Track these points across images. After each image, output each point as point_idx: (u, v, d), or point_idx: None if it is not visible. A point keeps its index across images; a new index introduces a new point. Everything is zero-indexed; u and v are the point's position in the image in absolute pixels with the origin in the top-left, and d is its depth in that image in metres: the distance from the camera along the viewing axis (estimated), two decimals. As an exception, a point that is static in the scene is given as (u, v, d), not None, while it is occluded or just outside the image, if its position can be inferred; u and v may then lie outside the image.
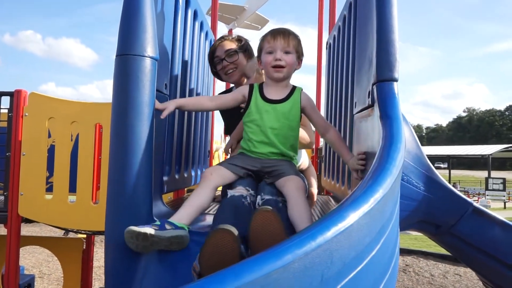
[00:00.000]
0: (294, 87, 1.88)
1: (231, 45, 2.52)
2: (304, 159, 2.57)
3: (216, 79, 3.00)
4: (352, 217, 0.92)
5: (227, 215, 1.56)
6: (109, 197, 1.56)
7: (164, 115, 1.73)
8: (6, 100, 3.27)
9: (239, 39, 2.59)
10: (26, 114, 3.20)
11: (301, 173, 2.33)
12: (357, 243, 0.93)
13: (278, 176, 1.74)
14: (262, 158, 1.82)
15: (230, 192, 1.69)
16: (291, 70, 1.84)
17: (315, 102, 1.99)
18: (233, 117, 2.35)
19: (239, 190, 1.70)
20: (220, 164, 1.82)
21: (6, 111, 3.27)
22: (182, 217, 1.55)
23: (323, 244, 0.82)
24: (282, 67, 1.79)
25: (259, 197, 1.67)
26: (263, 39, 1.87)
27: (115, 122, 1.57)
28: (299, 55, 1.86)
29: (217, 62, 2.54)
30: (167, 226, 1.47)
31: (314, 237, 0.82)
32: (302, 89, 1.88)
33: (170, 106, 1.75)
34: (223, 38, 2.59)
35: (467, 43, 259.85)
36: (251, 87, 1.88)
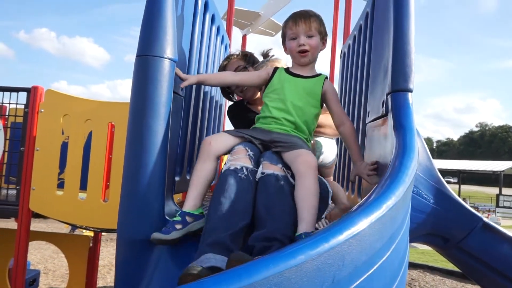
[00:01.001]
0: (320, 74, 1.91)
1: (239, 63, 2.54)
2: (330, 154, 2.36)
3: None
4: (365, 222, 0.93)
5: (222, 198, 1.50)
6: (123, 194, 1.59)
7: (184, 85, 1.80)
8: (22, 95, 3.35)
9: (244, 54, 2.61)
10: (42, 110, 3.26)
11: (323, 171, 2.25)
12: (369, 248, 0.94)
13: (289, 148, 1.65)
14: (273, 131, 1.76)
15: (225, 166, 1.61)
16: (316, 52, 1.88)
17: None
18: (243, 122, 2.37)
19: (236, 158, 1.60)
20: (224, 131, 1.81)
21: (22, 106, 3.33)
22: (196, 201, 1.61)
23: (336, 247, 0.84)
24: (307, 51, 1.83)
25: (260, 168, 1.59)
26: (285, 25, 1.89)
27: (132, 121, 1.60)
28: (323, 35, 1.88)
29: None
30: (188, 219, 1.57)
31: (327, 239, 0.83)
32: (327, 77, 1.91)
33: (191, 78, 1.83)
34: (229, 58, 2.62)
35: (481, 57, 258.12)
36: (276, 68, 1.94)
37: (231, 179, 1.53)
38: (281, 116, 1.78)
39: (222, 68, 2.60)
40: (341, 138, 1.90)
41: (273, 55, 2.52)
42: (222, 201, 1.48)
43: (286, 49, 1.92)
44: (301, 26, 1.81)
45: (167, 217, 1.61)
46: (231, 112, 2.67)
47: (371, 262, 0.95)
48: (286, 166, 1.61)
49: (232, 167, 1.56)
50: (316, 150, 2.22)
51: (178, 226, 1.54)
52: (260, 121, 1.86)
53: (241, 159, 1.60)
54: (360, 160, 1.81)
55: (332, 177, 2.51)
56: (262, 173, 1.56)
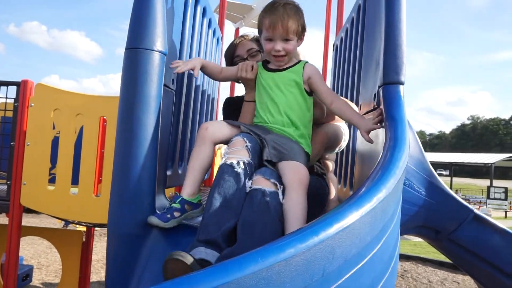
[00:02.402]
0: (299, 61, 1.83)
1: (252, 45, 2.46)
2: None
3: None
4: (355, 215, 0.93)
5: (217, 195, 1.47)
6: (113, 188, 1.57)
7: (196, 74, 1.78)
8: (12, 89, 3.29)
9: (257, 39, 2.52)
10: (32, 104, 3.22)
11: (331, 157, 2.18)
12: (359, 241, 0.94)
13: (282, 157, 1.59)
14: (271, 128, 1.73)
15: (222, 159, 1.57)
16: (293, 54, 1.81)
17: None
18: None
19: (233, 151, 1.56)
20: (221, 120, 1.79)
21: (12, 101, 3.29)
22: (194, 188, 1.63)
23: (325, 240, 0.83)
24: (282, 56, 1.76)
25: (249, 182, 1.52)
26: (261, 22, 1.78)
27: (122, 115, 1.59)
28: (300, 34, 1.79)
29: (239, 62, 2.40)
30: (187, 207, 1.61)
31: (317, 233, 0.83)
32: (307, 62, 1.82)
33: (197, 64, 1.79)
34: (242, 37, 2.53)
35: (472, 50, 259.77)
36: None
37: (226, 174, 1.50)
38: (273, 117, 1.74)
39: (233, 46, 2.49)
40: (337, 114, 1.83)
41: None
42: (216, 197, 1.47)
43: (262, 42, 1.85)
44: (278, 30, 1.71)
45: (158, 211, 1.60)
46: (229, 106, 2.53)
47: (361, 255, 0.95)
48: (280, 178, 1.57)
49: (228, 161, 1.53)
50: (344, 137, 2.14)
51: (176, 214, 1.58)
52: (256, 122, 1.83)
53: (239, 151, 1.56)
54: (363, 119, 1.71)
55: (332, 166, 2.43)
56: (250, 187, 1.51)
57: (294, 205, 1.47)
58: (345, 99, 2.17)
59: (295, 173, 1.54)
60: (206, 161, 1.64)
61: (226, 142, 1.68)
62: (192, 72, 1.80)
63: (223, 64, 2.66)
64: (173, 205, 1.59)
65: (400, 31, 1.57)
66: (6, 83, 3.34)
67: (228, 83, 4.61)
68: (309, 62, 1.83)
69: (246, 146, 1.56)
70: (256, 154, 1.61)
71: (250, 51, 2.43)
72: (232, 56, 2.49)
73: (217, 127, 1.68)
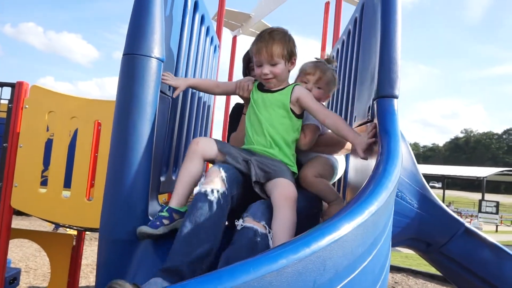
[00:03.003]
0: (290, 84, 1.91)
1: None
2: (341, 172, 2.31)
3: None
4: (346, 228, 0.94)
5: (188, 223, 1.45)
6: (106, 193, 1.57)
7: (175, 94, 1.84)
8: (7, 91, 3.28)
9: None
10: (26, 106, 3.20)
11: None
12: (350, 253, 0.94)
13: (268, 177, 1.65)
14: (255, 150, 1.78)
15: (196, 189, 1.56)
16: (282, 76, 1.87)
17: None
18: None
19: (208, 184, 1.53)
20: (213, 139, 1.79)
21: (6, 102, 3.27)
22: (182, 199, 1.62)
23: (317, 251, 0.84)
24: (270, 78, 1.84)
25: (241, 220, 1.54)
26: (251, 49, 1.88)
27: (117, 120, 1.59)
28: (289, 57, 1.86)
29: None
30: (175, 216, 1.60)
31: (309, 244, 0.84)
32: (297, 84, 1.90)
33: (181, 85, 1.86)
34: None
35: (467, 64, 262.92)
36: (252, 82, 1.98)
37: (199, 203, 1.49)
38: (258, 137, 1.81)
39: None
40: (332, 130, 1.84)
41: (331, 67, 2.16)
42: (187, 225, 1.45)
43: (254, 71, 1.92)
44: (263, 55, 1.80)
45: (151, 218, 1.60)
46: (238, 110, 2.46)
47: (352, 267, 0.96)
48: (269, 215, 1.56)
49: (202, 190, 1.52)
50: (334, 172, 2.17)
51: (166, 222, 1.57)
52: (246, 141, 1.89)
53: (213, 181, 1.54)
54: (359, 136, 1.72)
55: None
56: (241, 225, 1.51)
57: (281, 219, 1.50)
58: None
59: (281, 189, 1.58)
60: (195, 175, 1.64)
61: (213, 161, 1.73)
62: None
63: (222, 70, 2.69)
64: (161, 213, 1.59)
65: (395, 46, 1.60)
66: (1, 84, 3.32)
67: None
68: (300, 85, 1.91)
69: (221, 177, 1.56)
70: (236, 184, 1.62)
71: None
72: (248, 61, 2.54)
73: (208, 144, 1.70)
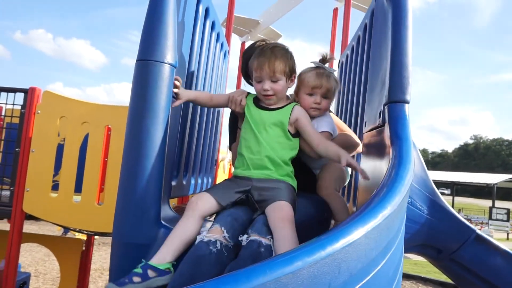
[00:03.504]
0: (290, 103, 1.87)
1: None
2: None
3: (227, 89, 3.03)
4: (361, 231, 0.94)
5: (185, 270, 1.42)
6: (119, 197, 1.59)
7: (175, 104, 1.78)
8: (19, 96, 3.33)
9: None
10: (39, 111, 3.25)
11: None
12: (364, 256, 0.95)
13: (267, 202, 1.64)
14: (253, 177, 1.73)
15: (200, 236, 1.53)
16: (282, 94, 1.84)
17: None
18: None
19: (212, 233, 1.52)
20: (207, 190, 1.73)
21: (19, 107, 3.32)
22: (166, 255, 1.50)
23: (332, 254, 0.84)
24: (271, 95, 1.80)
25: (245, 235, 1.53)
26: (251, 64, 1.84)
27: (131, 125, 1.61)
28: (290, 75, 1.84)
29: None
30: (150, 273, 1.45)
31: (324, 247, 0.84)
32: (297, 104, 1.87)
33: (184, 97, 1.81)
34: (264, 42, 2.42)
35: (474, 70, 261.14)
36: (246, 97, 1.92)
37: (200, 250, 1.47)
38: (254, 158, 1.76)
39: (252, 49, 2.38)
40: (323, 155, 1.82)
41: (332, 69, 2.11)
42: (183, 272, 1.41)
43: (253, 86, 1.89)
44: (265, 70, 1.77)
45: (163, 222, 1.61)
46: (234, 120, 2.40)
47: (366, 270, 0.96)
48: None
49: (205, 239, 1.50)
50: (347, 176, 2.18)
51: (136, 279, 1.43)
52: (238, 164, 1.82)
53: (217, 234, 1.53)
54: (346, 153, 1.71)
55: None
56: (247, 239, 1.51)
57: (281, 239, 1.49)
58: (348, 131, 2.16)
59: (277, 212, 1.57)
60: (189, 234, 1.56)
61: (215, 212, 1.70)
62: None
63: (231, 77, 2.67)
64: (135, 270, 1.46)
65: (407, 51, 1.60)
66: (14, 90, 3.38)
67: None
68: (298, 105, 1.87)
69: (224, 236, 1.52)
70: (240, 228, 1.61)
71: None
72: (249, 58, 2.44)
73: (207, 202, 1.65)
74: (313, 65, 2.02)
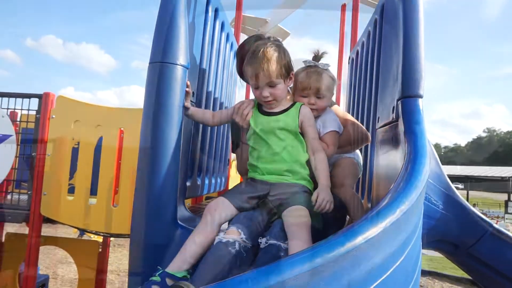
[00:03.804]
0: (294, 102, 1.83)
1: None
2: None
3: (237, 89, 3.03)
4: (379, 227, 0.94)
5: (206, 270, 1.43)
6: (136, 198, 1.61)
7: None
8: (34, 101, 3.39)
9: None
10: (53, 116, 3.30)
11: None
12: (383, 252, 0.95)
13: (283, 206, 1.63)
14: (271, 181, 1.71)
15: (218, 237, 1.53)
16: (283, 96, 1.79)
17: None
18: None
19: (230, 234, 1.53)
20: (225, 195, 1.70)
21: (34, 112, 3.38)
22: (183, 263, 1.48)
23: (351, 251, 0.85)
24: (271, 101, 1.75)
25: (264, 238, 1.54)
26: (245, 70, 1.77)
27: (145, 127, 1.63)
28: (287, 74, 1.77)
29: None
30: (168, 282, 1.43)
31: (343, 243, 0.85)
32: (302, 104, 1.82)
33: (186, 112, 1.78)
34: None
35: (485, 63, 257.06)
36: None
37: (220, 251, 1.47)
38: (269, 166, 1.72)
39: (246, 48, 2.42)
40: (312, 165, 1.77)
41: (325, 65, 2.05)
42: (204, 272, 1.41)
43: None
44: (261, 78, 1.70)
45: (180, 222, 1.63)
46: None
47: (385, 266, 0.96)
48: None
49: (224, 240, 1.50)
50: (361, 170, 2.18)
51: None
52: (253, 170, 1.79)
53: (235, 236, 1.53)
54: (325, 188, 1.67)
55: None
56: (266, 243, 1.52)
57: (295, 246, 1.46)
58: (358, 124, 2.11)
59: (292, 218, 1.56)
60: (207, 241, 1.53)
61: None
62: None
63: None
64: (152, 278, 1.44)
65: (419, 44, 1.59)
66: (29, 96, 3.43)
67: (243, 93, 4.64)
68: (304, 105, 1.82)
69: (242, 238, 1.52)
70: (256, 228, 1.61)
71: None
72: (242, 58, 2.35)
73: (225, 209, 1.63)
74: (304, 65, 1.97)
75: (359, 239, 0.88)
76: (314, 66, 1.95)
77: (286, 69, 1.76)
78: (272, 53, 1.71)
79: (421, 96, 1.57)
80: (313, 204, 1.61)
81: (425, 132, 1.46)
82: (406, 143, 1.42)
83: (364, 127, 2.16)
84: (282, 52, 1.76)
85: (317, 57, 1.98)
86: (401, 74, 1.61)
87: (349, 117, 2.18)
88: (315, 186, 1.77)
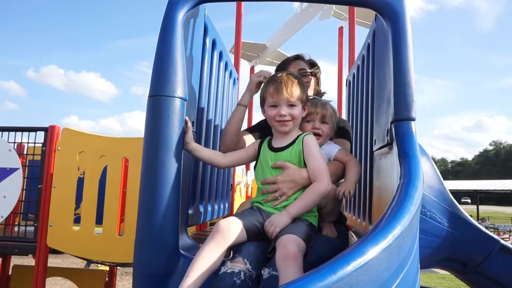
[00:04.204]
0: (300, 134, 1.82)
1: (305, 66, 2.50)
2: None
3: None
4: (371, 253, 0.96)
5: None
6: (138, 229, 1.63)
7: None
8: (40, 134, 3.47)
9: (312, 62, 2.57)
10: (59, 148, 3.36)
11: None
12: (376, 278, 0.96)
13: (278, 235, 1.57)
14: (270, 212, 1.71)
15: (223, 268, 1.53)
16: (298, 121, 1.81)
17: None
18: None
19: (235, 264, 1.52)
20: (239, 216, 1.68)
21: (40, 145, 3.45)
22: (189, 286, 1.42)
23: (343, 278, 0.86)
24: (288, 121, 1.76)
25: (267, 269, 1.52)
26: (265, 90, 1.82)
27: (146, 158, 1.67)
28: (304, 103, 1.82)
29: None
30: None
31: (335, 271, 0.86)
32: (306, 135, 1.81)
33: (187, 144, 1.77)
34: (299, 57, 2.57)
35: (484, 75, 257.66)
36: (263, 140, 1.90)
37: (224, 282, 1.46)
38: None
39: (287, 63, 2.50)
40: (308, 190, 1.72)
41: (327, 100, 2.19)
42: None
43: (264, 113, 1.86)
44: (283, 95, 1.74)
45: (182, 251, 1.64)
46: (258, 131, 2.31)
47: (380, 291, 0.97)
48: None
49: (229, 271, 1.50)
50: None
51: None
52: (258, 200, 1.80)
53: (240, 265, 1.53)
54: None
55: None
56: (269, 273, 1.50)
57: (284, 280, 1.40)
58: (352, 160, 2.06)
59: (280, 249, 1.49)
60: (215, 265, 1.50)
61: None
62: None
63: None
64: None
65: (408, 70, 1.63)
66: (35, 129, 3.52)
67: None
68: (310, 135, 1.82)
69: (247, 268, 1.52)
70: (262, 257, 1.62)
71: (301, 70, 2.45)
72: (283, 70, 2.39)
73: (237, 231, 1.59)
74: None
75: (351, 266, 0.89)
76: (317, 99, 2.05)
77: (305, 97, 1.82)
78: (295, 78, 1.82)
79: (413, 119, 1.61)
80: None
81: (419, 154, 1.49)
82: (400, 165, 1.45)
83: (352, 165, 2.03)
84: (302, 83, 1.84)
85: (319, 94, 2.09)
86: (393, 98, 1.65)
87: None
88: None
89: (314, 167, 1.73)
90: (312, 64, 2.56)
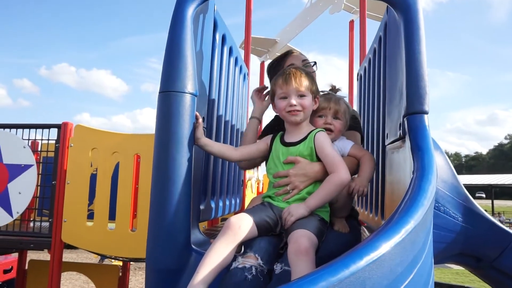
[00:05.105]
0: (312, 130, 1.81)
1: (304, 57, 2.49)
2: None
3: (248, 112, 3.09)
4: (384, 247, 0.95)
5: None
6: (150, 224, 1.65)
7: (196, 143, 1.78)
8: (53, 131, 3.52)
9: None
10: (72, 145, 3.41)
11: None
12: (389, 273, 0.95)
13: (288, 231, 1.58)
14: (281, 207, 1.71)
15: (234, 263, 1.52)
16: (308, 112, 1.80)
17: None
18: None
19: (246, 259, 1.53)
20: (249, 212, 1.67)
21: (53, 142, 3.50)
22: (200, 285, 1.41)
23: (356, 272, 0.86)
24: (298, 111, 1.75)
25: (280, 264, 1.53)
26: (275, 83, 1.82)
27: (157, 154, 1.68)
28: (315, 95, 1.82)
29: None
30: None
31: (348, 265, 0.86)
32: (319, 131, 1.80)
33: (198, 140, 1.78)
34: (291, 51, 2.56)
35: (497, 68, 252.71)
36: (275, 135, 1.90)
37: (236, 277, 1.46)
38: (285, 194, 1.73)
39: (283, 58, 2.47)
40: (323, 186, 1.71)
41: (341, 96, 2.12)
42: None
43: (275, 107, 1.86)
44: (291, 85, 1.75)
45: (193, 246, 1.65)
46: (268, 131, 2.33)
47: (393, 286, 0.96)
48: None
49: (240, 266, 1.49)
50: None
51: None
52: (270, 196, 1.80)
53: (252, 260, 1.54)
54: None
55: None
56: (281, 268, 1.51)
57: (296, 275, 1.41)
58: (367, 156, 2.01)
59: (291, 245, 1.49)
60: (226, 260, 1.49)
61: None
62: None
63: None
64: None
65: (421, 63, 1.61)
66: (48, 126, 3.57)
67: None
68: (323, 131, 1.81)
69: (259, 263, 1.53)
70: (274, 252, 1.62)
71: (305, 61, 2.43)
72: (282, 66, 2.40)
73: (249, 227, 1.58)
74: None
75: (364, 261, 0.88)
76: (332, 94, 2.03)
77: (315, 88, 1.82)
78: (304, 70, 1.83)
79: (426, 112, 1.58)
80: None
81: (432, 148, 1.46)
82: (413, 159, 1.43)
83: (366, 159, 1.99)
84: (312, 77, 1.86)
85: (333, 90, 2.06)
86: (405, 91, 1.62)
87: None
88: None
89: (329, 160, 1.73)
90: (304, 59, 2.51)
